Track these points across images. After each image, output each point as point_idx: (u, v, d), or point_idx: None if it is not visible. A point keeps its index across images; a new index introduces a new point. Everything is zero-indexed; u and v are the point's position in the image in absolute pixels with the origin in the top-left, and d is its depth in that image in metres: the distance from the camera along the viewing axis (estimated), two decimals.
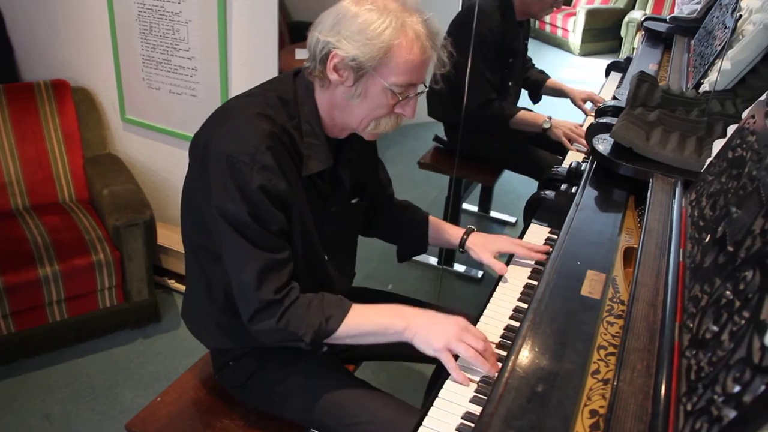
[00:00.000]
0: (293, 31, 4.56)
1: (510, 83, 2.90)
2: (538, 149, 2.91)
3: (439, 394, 1.18)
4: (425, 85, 1.32)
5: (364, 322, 1.32)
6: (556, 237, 1.61)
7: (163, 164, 2.91)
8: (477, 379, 1.21)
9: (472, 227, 1.69)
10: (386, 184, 1.72)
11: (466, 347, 1.22)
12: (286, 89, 1.35)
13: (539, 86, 3.20)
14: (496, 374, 1.17)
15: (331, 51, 1.23)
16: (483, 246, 1.63)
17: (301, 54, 3.82)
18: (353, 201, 1.54)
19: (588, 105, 3.08)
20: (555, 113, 2.76)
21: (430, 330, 1.27)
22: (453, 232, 1.70)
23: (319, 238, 1.44)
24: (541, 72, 3.24)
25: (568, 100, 3.17)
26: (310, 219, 1.39)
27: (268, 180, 1.24)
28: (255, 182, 1.23)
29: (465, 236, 1.67)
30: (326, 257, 1.49)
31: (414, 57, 1.23)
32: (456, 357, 1.24)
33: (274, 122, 1.28)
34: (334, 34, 1.22)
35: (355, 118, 1.31)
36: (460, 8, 3.86)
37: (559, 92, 3.19)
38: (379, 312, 1.34)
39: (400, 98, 1.27)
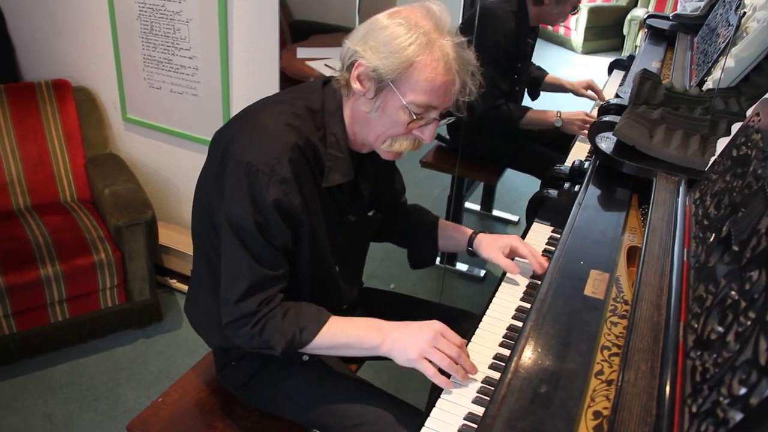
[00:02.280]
0: (294, 30, 4.54)
1: (517, 87, 2.89)
2: (540, 147, 2.90)
3: (442, 395, 1.17)
4: (449, 113, 1.30)
5: (339, 335, 1.30)
6: (558, 236, 1.60)
7: (164, 164, 2.91)
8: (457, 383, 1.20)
9: (480, 230, 1.67)
10: (401, 193, 1.71)
11: (440, 356, 1.20)
12: (315, 98, 1.34)
13: (538, 83, 3.19)
14: (468, 379, 1.19)
15: (356, 60, 1.23)
16: (491, 243, 1.60)
17: (302, 53, 3.80)
18: (369, 214, 1.53)
19: (590, 92, 3.07)
20: (555, 107, 2.75)
21: (405, 341, 1.25)
22: (461, 234, 1.67)
23: (332, 249, 1.43)
24: (539, 68, 3.22)
25: (566, 94, 3.16)
26: (324, 231, 1.38)
27: (283, 194, 1.23)
28: (271, 195, 1.22)
29: (473, 236, 1.65)
30: (337, 268, 1.49)
31: (436, 77, 1.20)
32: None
33: (300, 134, 1.27)
34: (362, 44, 1.22)
35: (372, 133, 1.30)
36: (461, 15, 3.85)
37: (558, 87, 3.18)
38: (355, 325, 1.32)
39: (415, 117, 1.24)
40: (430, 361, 1.21)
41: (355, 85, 1.25)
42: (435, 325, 1.25)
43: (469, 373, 1.20)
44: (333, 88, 1.33)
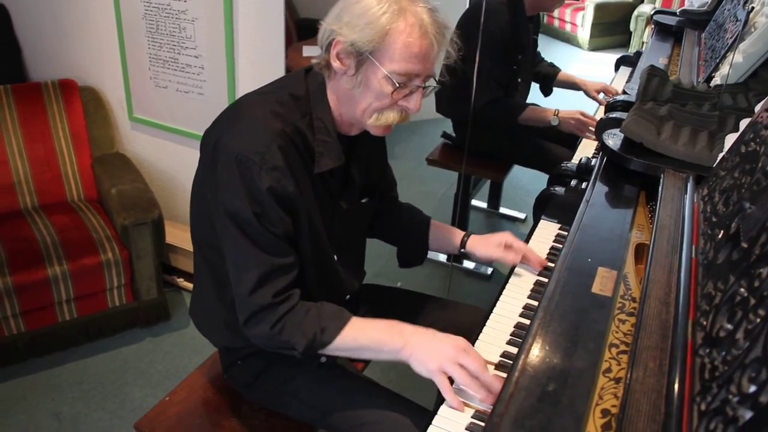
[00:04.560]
0: (300, 28, 4.55)
1: (519, 79, 2.88)
2: (547, 143, 2.89)
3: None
4: (434, 80, 1.30)
5: (360, 336, 1.29)
6: (566, 233, 1.59)
7: (171, 163, 2.91)
8: (474, 403, 1.16)
9: (471, 231, 1.68)
10: (392, 185, 1.71)
11: (460, 372, 1.16)
12: (298, 86, 1.34)
13: (550, 80, 3.18)
14: (492, 404, 1.11)
15: (334, 38, 1.23)
16: (485, 243, 1.61)
17: (308, 51, 3.80)
18: (363, 201, 1.53)
19: (602, 96, 3.05)
20: (566, 105, 2.74)
21: (426, 350, 1.22)
22: (453, 235, 1.68)
23: (329, 238, 1.43)
24: (552, 65, 3.22)
25: (578, 93, 3.15)
26: (319, 219, 1.37)
27: (276, 181, 1.23)
28: (264, 183, 1.22)
29: (465, 238, 1.65)
30: (336, 257, 1.48)
31: (413, 42, 1.21)
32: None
33: (286, 121, 1.27)
34: (337, 22, 1.23)
35: (358, 109, 1.30)
36: (467, 4, 3.84)
37: (571, 85, 3.17)
38: (377, 327, 1.30)
39: (398, 85, 1.24)
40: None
41: (335, 64, 1.26)
42: (460, 341, 1.23)
43: (492, 393, 1.14)
44: (315, 73, 1.34)
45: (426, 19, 1.22)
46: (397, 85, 1.24)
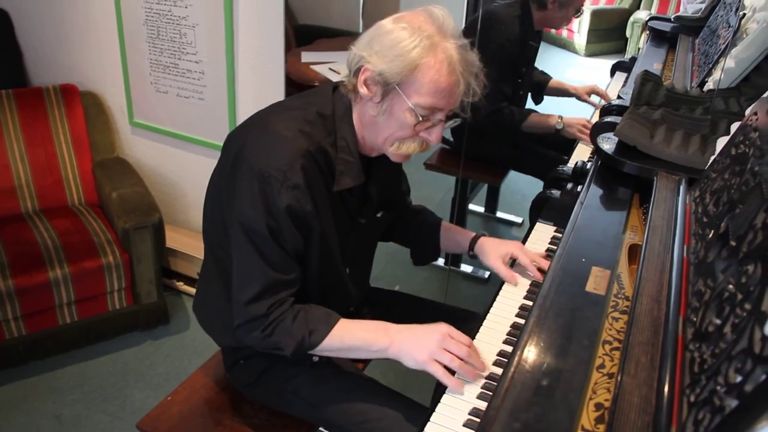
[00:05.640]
0: (299, 34, 4.57)
1: (521, 91, 2.91)
2: (543, 149, 2.92)
3: (447, 391, 1.20)
4: (455, 114, 1.33)
5: (348, 337, 1.33)
6: (561, 235, 1.62)
7: (171, 167, 2.94)
8: (468, 383, 1.22)
9: (484, 232, 1.69)
10: (406, 194, 1.74)
11: (451, 358, 1.22)
12: (326, 104, 1.36)
13: (542, 87, 3.20)
14: (478, 377, 1.22)
15: (363, 65, 1.25)
16: (492, 250, 1.61)
17: (307, 57, 3.83)
18: (378, 215, 1.56)
19: (593, 98, 3.08)
20: (558, 112, 2.77)
21: (413, 344, 1.27)
22: (463, 237, 1.69)
23: (342, 252, 1.45)
24: (543, 73, 3.24)
25: (569, 101, 3.17)
26: (335, 235, 1.40)
27: (296, 200, 1.26)
28: (284, 201, 1.25)
29: (474, 240, 1.67)
30: (347, 270, 1.51)
31: (441, 78, 1.23)
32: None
33: (311, 140, 1.30)
34: (367, 49, 1.25)
35: (380, 136, 1.33)
36: (464, 18, 3.87)
37: (562, 92, 3.19)
38: (364, 328, 1.35)
39: (421, 119, 1.26)
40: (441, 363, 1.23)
41: (362, 90, 1.27)
42: (441, 327, 1.28)
43: (479, 371, 1.22)
44: (341, 93, 1.36)
45: (455, 56, 1.24)
46: (421, 118, 1.27)
